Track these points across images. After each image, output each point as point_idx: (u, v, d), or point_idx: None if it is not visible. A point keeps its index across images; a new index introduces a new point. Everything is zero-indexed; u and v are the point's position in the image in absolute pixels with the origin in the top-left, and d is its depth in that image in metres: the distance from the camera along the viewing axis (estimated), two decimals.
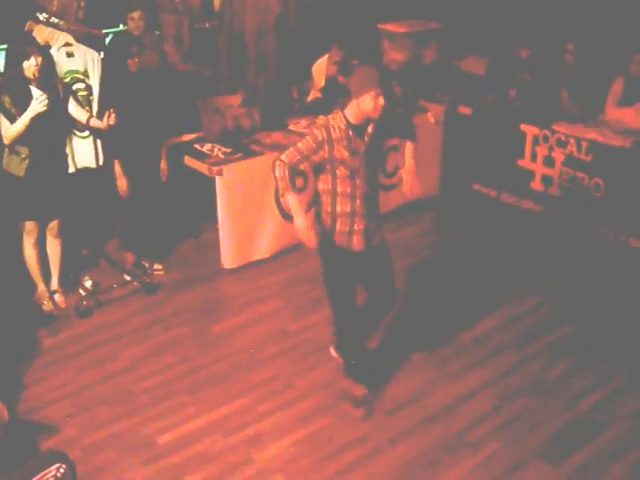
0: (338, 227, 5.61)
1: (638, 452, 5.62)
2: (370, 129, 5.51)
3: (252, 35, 10.25)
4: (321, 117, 5.65)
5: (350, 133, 5.44)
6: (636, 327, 7.11)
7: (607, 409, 6.06)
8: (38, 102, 6.29)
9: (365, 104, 5.37)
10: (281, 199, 5.43)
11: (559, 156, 8.74)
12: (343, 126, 5.44)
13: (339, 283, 5.80)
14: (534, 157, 8.99)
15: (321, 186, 5.58)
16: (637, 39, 8.81)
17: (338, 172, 5.47)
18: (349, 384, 6.09)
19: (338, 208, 5.56)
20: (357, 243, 5.66)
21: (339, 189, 5.52)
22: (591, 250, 8.33)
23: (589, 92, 9.02)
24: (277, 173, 5.39)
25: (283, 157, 5.42)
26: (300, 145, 5.45)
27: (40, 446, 5.53)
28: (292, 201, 5.38)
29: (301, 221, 5.37)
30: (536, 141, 8.94)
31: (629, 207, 8.22)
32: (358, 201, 5.55)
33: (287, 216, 7.99)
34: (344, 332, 6.00)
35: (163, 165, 7.58)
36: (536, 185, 9.03)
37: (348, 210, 5.56)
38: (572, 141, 8.62)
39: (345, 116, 5.45)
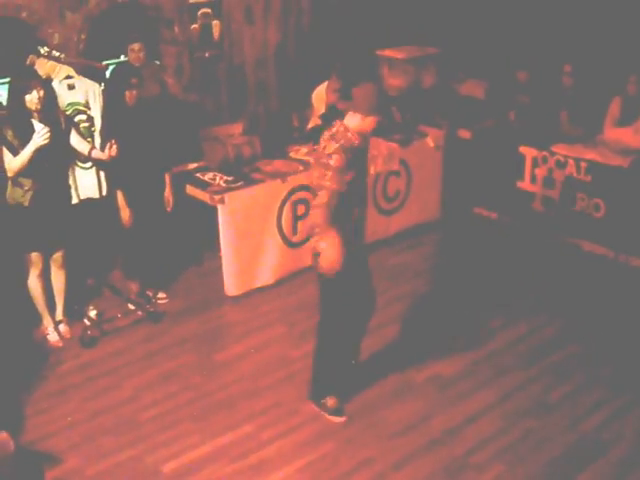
0: (350, 235, 5.71)
1: None
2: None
3: (252, 64, 10.34)
4: (326, 137, 5.71)
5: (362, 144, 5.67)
6: (639, 346, 7.13)
7: (612, 428, 6.06)
8: (40, 136, 6.35)
9: (367, 125, 5.58)
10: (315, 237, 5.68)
11: (559, 177, 8.79)
12: (356, 142, 5.59)
13: (355, 286, 5.91)
14: (534, 179, 9.05)
15: None
16: (633, 59, 8.88)
17: (359, 185, 5.69)
18: (320, 403, 6.24)
19: (348, 218, 5.72)
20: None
21: (352, 198, 5.66)
22: (592, 270, 8.37)
23: (587, 113, 9.07)
24: (321, 220, 5.50)
25: (324, 204, 5.47)
26: (328, 184, 5.46)
27: (46, 476, 5.54)
28: (335, 241, 5.47)
29: (339, 255, 5.49)
30: (535, 163, 9.00)
31: (629, 226, 8.26)
32: (362, 206, 5.80)
33: (289, 242, 8.06)
34: (337, 346, 6.10)
35: (168, 194, 7.60)
36: (536, 207, 9.08)
37: (357, 218, 5.78)
38: (571, 162, 8.67)
39: (352, 131, 5.58)
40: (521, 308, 7.74)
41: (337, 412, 6.21)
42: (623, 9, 9.43)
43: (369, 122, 5.57)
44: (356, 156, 5.60)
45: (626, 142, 8.61)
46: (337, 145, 5.53)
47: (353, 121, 5.59)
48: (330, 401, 6.22)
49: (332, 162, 5.47)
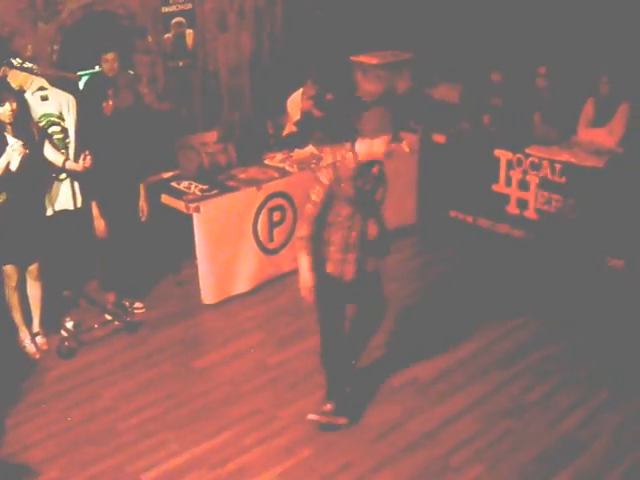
0: (333, 255, 5.76)
1: (621, 469, 5.67)
2: (376, 171, 5.72)
3: (226, 72, 10.35)
4: (327, 150, 5.82)
5: (358, 172, 5.59)
6: (616, 345, 7.17)
7: (589, 427, 6.11)
8: (12, 149, 6.35)
9: (377, 147, 5.54)
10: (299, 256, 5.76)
11: (533, 179, 8.84)
12: (353, 165, 5.58)
13: (327, 307, 5.96)
14: (508, 181, 9.09)
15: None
16: (605, 60, 8.94)
17: (342, 209, 5.63)
18: (331, 408, 6.17)
19: (334, 238, 5.72)
20: (348, 272, 5.82)
21: (339, 222, 5.67)
22: (569, 270, 8.41)
23: (561, 114, 9.12)
24: (300, 232, 5.70)
25: (306, 216, 5.66)
26: (314, 198, 5.61)
27: None
28: (304, 262, 5.68)
29: (307, 280, 5.69)
30: (510, 165, 9.04)
31: (605, 226, 8.31)
32: (354, 233, 5.72)
33: (265, 249, 8.07)
34: (329, 354, 6.11)
35: (143, 204, 7.59)
36: (511, 209, 9.13)
37: (344, 241, 5.72)
38: (546, 164, 8.72)
39: (355, 154, 5.59)
40: (497, 310, 7.77)
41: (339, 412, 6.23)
42: (594, 11, 9.49)
43: (378, 145, 5.55)
44: (354, 179, 5.60)
45: (600, 143, 8.68)
46: (330, 162, 5.62)
47: (362, 147, 5.60)
48: (340, 420, 6.18)
49: (321, 177, 5.61)
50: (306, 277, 5.70)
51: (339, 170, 5.56)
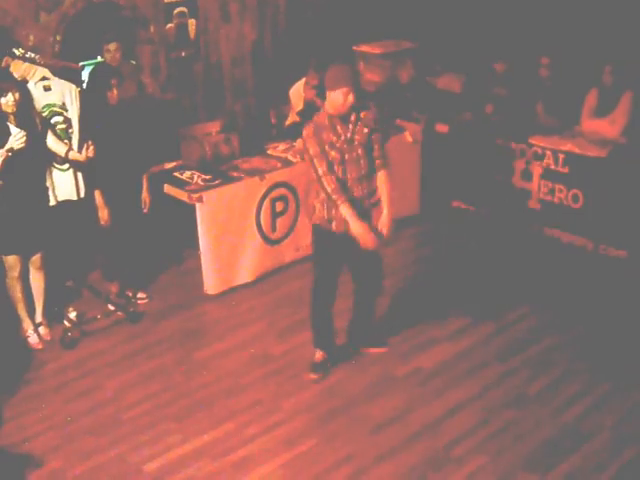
0: (334, 213, 6.06)
1: (621, 461, 5.66)
2: (353, 118, 6.00)
3: (228, 62, 10.33)
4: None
5: (333, 121, 5.96)
6: (618, 336, 7.16)
7: (592, 419, 6.10)
8: (16, 139, 6.34)
9: (336, 99, 5.88)
10: (340, 208, 5.98)
11: (536, 169, 8.82)
12: (324, 120, 5.98)
13: (330, 263, 6.34)
14: (512, 171, 9.08)
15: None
16: (608, 50, 8.91)
17: (330, 157, 5.93)
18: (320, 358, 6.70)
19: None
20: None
21: (335, 174, 5.98)
22: (571, 261, 8.40)
23: (564, 104, 9.09)
24: (327, 189, 5.93)
25: (320, 173, 5.93)
26: (312, 152, 5.95)
27: (28, 479, 5.55)
28: (347, 210, 5.96)
29: (359, 226, 5.98)
30: (513, 155, 9.03)
31: (608, 217, 8.30)
32: (349, 184, 6.02)
33: (268, 240, 8.07)
34: (318, 301, 6.51)
35: (145, 195, 7.57)
36: (515, 199, 9.11)
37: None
38: (549, 153, 8.71)
39: (325, 109, 6.00)
40: (500, 301, 7.75)
41: (314, 368, 6.67)
42: (598, 1, 9.46)
43: (336, 96, 5.85)
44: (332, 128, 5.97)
45: (603, 133, 8.64)
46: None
47: (328, 102, 5.97)
48: (317, 354, 6.70)
49: (304, 134, 6.06)
50: (357, 224, 5.96)
51: (317, 123, 5.98)
